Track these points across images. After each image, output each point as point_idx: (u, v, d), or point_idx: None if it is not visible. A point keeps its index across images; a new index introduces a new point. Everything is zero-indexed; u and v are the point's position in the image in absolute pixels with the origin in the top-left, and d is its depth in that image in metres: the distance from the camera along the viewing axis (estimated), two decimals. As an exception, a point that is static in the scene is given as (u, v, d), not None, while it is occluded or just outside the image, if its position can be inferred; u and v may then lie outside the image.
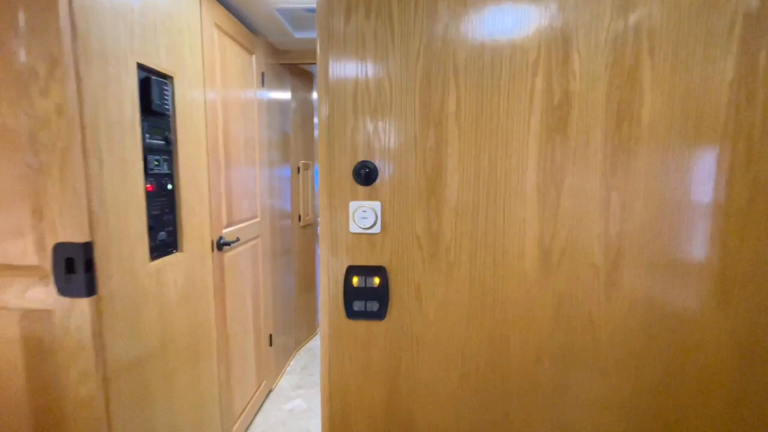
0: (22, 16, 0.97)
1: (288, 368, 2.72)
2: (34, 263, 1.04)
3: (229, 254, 1.91)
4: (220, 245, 1.79)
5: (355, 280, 0.80)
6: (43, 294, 1.05)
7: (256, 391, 2.30)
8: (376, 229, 0.78)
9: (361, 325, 0.82)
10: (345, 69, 0.74)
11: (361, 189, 0.77)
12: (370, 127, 0.76)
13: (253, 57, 2.20)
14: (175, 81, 1.43)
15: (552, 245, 0.76)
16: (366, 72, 0.74)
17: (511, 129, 0.75)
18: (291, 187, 2.85)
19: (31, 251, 1.04)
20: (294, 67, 2.84)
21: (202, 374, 1.68)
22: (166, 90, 1.38)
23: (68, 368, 1.08)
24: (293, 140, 2.88)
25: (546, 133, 0.74)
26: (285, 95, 2.75)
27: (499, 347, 0.80)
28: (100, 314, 1.08)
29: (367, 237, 0.78)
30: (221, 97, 1.78)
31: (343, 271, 0.80)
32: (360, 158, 0.77)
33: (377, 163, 0.77)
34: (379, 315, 0.80)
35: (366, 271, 0.79)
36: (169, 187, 1.42)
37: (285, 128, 2.75)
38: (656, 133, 0.72)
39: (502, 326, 0.79)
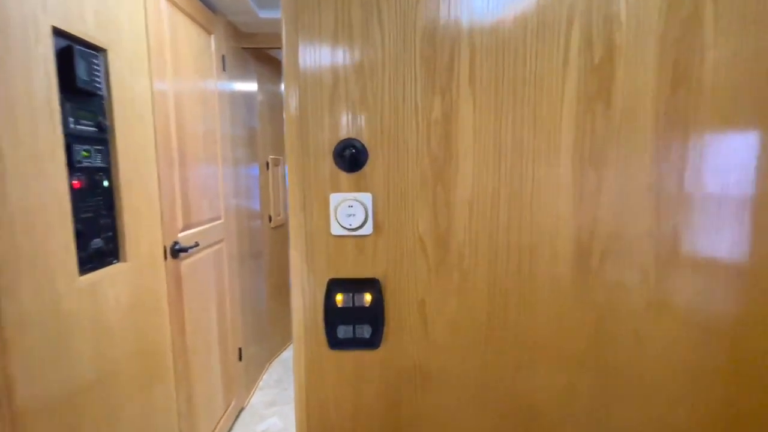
0: None
1: (260, 383, 2.48)
2: None
3: (187, 261, 1.66)
4: (176, 251, 1.54)
5: (340, 298, 0.60)
6: None
7: (224, 413, 2.06)
8: (366, 229, 0.59)
9: (349, 357, 0.62)
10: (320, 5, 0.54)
11: (346, 177, 0.58)
12: (355, 92, 0.57)
13: (212, 38, 1.95)
14: (110, 55, 1.17)
15: (591, 245, 0.60)
16: (349, 15, 0.54)
17: (540, 97, 0.58)
18: (260, 185, 2.61)
19: None
20: (260, 53, 2.59)
21: (157, 402, 1.43)
22: (97, 65, 1.12)
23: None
24: (261, 136, 2.63)
25: (584, 101, 0.57)
26: (251, 86, 2.50)
27: (525, 375, 0.63)
28: (3, 349, 0.83)
29: (354, 241, 0.59)
30: (173, 81, 1.53)
31: (324, 286, 0.60)
32: (343, 135, 0.57)
33: (366, 141, 0.57)
34: (372, 342, 0.61)
35: (354, 285, 0.60)
36: (105, 183, 1.17)
37: (251, 123, 2.50)
38: (719, 101, 0.56)
39: (529, 349, 0.62)
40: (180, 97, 1.58)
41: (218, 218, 2.00)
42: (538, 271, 0.61)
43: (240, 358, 2.26)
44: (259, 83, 2.58)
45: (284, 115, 0.56)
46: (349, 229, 0.59)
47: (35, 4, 0.93)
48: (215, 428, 1.94)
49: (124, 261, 1.26)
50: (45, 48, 0.96)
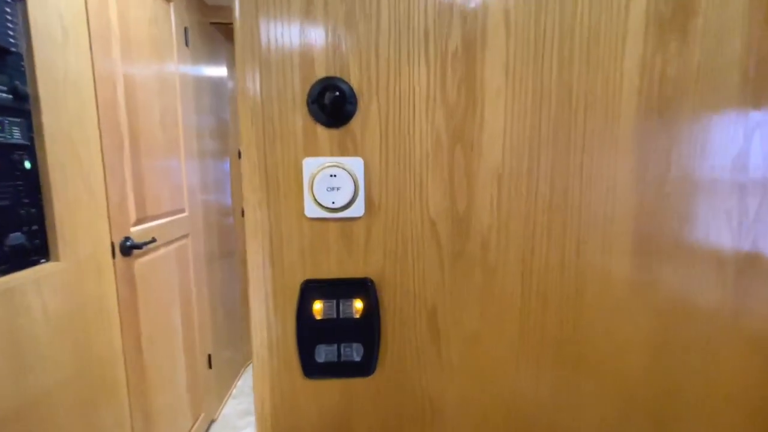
0: None
1: (234, 391, 2.27)
2: None
3: (142, 260, 1.43)
4: (127, 248, 1.32)
5: (318, 307, 0.43)
6: None
7: (192, 427, 1.84)
8: (356, 209, 0.41)
9: (332, 389, 0.45)
10: None
11: (326, 134, 0.40)
12: (339, 7, 0.39)
13: (171, 6, 1.71)
14: (30, 6, 0.95)
15: (659, 228, 0.45)
16: None
17: (597, 24, 0.41)
18: (231, 179, 2.38)
19: None
20: (232, 32, 2.35)
21: (105, 424, 1.22)
22: (10, 15, 0.89)
23: None
24: (233, 128, 2.40)
25: (654, 31, 0.42)
26: (220, 70, 2.26)
27: (567, 403, 0.47)
28: None
29: (338, 226, 0.42)
30: (119, 45, 1.30)
31: (296, 291, 0.43)
32: (322, 73, 0.39)
33: (355, 82, 0.40)
34: (364, 367, 0.44)
35: (338, 289, 0.43)
36: (27, 165, 0.95)
37: (222, 113, 2.27)
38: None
39: (572, 369, 0.47)
40: (131, 71, 1.35)
41: (181, 211, 1.77)
42: (587, 267, 0.45)
43: (210, 366, 2.05)
44: (230, 68, 2.34)
45: (235, 43, 0.38)
46: (331, 209, 0.41)
47: None
48: (180, 446, 1.73)
49: (56, 260, 1.03)
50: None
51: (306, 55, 0.39)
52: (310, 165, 0.40)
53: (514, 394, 0.46)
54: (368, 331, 0.44)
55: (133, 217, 1.37)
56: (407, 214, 0.42)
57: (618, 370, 0.47)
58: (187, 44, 1.85)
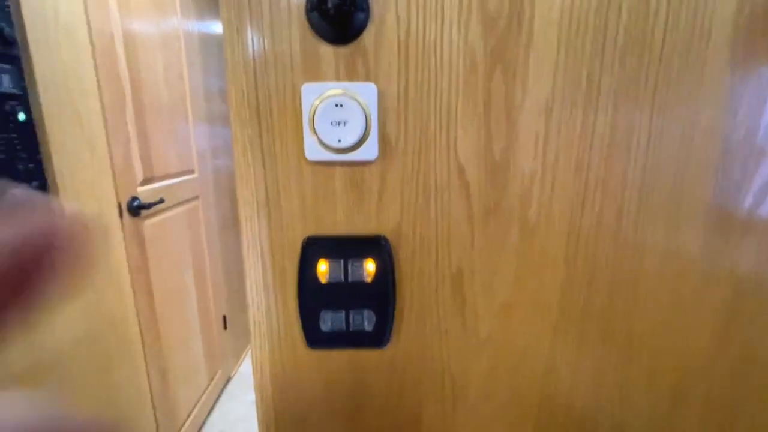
0: None
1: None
2: None
3: (151, 221, 1.40)
4: (135, 209, 1.28)
5: (324, 268, 0.36)
6: None
7: (209, 385, 1.90)
8: (368, 150, 0.33)
9: (339, 361, 0.39)
10: None
11: (331, 53, 0.32)
12: None
13: (171, -53, 1.57)
14: (10, -64, 0.85)
15: (744, 186, 0.36)
16: None
17: None
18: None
19: None
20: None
21: (122, 381, 1.23)
22: (-11, -54, 0.80)
23: None
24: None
25: None
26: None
27: (611, 385, 0.41)
28: None
29: (346, 171, 0.34)
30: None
31: (296, 250, 0.36)
32: None
33: (367, -19, 0.31)
34: (377, 338, 0.38)
35: (347, 248, 0.36)
36: (21, 116, 0.90)
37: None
38: None
39: (621, 347, 0.40)
40: (128, 20, 1.26)
41: (191, 172, 1.72)
42: (648, 227, 0.37)
43: (225, 326, 2.08)
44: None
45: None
46: (336, 150, 0.33)
47: None
48: (198, 401, 1.79)
49: (60, 218, 1.00)
50: None
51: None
52: (310, 93, 0.32)
53: (550, 373, 0.40)
54: (381, 296, 0.37)
55: (139, 176, 1.33)
56: (430, 158, 0.34)
57: (676, 351, 0.40)
58: (191, -6, 1.72)
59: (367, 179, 0.35)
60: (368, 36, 0.32)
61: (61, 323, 0.98)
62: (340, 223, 0.36)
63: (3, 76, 0.85)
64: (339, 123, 0.32)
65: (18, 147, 0.89)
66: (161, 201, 1.40)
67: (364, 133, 0.33)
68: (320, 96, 0.32)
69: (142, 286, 1.35)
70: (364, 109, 0.32)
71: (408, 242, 0.36)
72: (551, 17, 0.32)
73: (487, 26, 0.32)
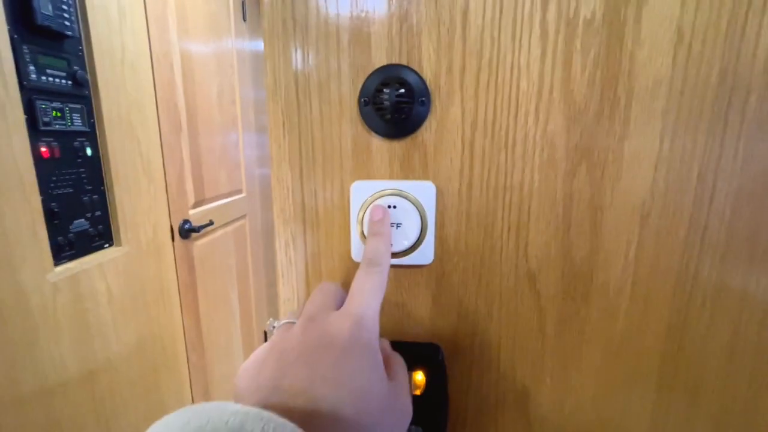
0: None
1: (288, 366, 2.33)
2: None
3: (201, 242, 1.46)
4: (185, 231, 1.33)
5: (368, 374, 0.32)
6: None
7: (248, 399, 1.93)
8: (422, 254, 0.29)
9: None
10: None
11: (384, 148, 0.28)
12: (410, -45, 0.25)
13: (229, -22, 1.64)
14: (85, -17, 0.92)
15: None
16: None
17: None
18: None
19: None
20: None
21: (167, 398, 1.28)
22: (66, -3, 0.86)
23: None
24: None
25: None
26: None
27: None
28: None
29: (397, 273, 0.30)
30: (177, 25, 1.26)
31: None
32: (380, 60, 0.27)
33: (430, 72, 0.27)
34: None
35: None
36: (89, 152, 0.95)
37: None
38: None
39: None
40: (188, 50, 1.32)
41: (239, 192, 1.78)
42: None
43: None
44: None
45: (261, 16, 0.27)
46: (387, 254, 0.29)
47: None
48: (238, 416, 1.82)
49: (119, 245, 1.05)
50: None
51: (359, 33, 0.27)
52: (360, 191, 0.29)
53: None
54: (432, 412, 0.32)
55: (191, 199, 1.38)
56: (496, 262, 0.30)
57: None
58: (244, 19, 1.79)
59: (420, 283, 0.30)
60: (427, 130, 0.28)
61: (115, 341, 1.02)
62: (387, 327, 0.32)
63: (74, 115, 0.91)
64: (391, 225, 0.28)
65: (84, 180, 0.95)
66: (210, 223, 1.44)
67: (420, 237, 0.29)
68: (372, 195, 0.29)
69: (190, 306, 1.39)
70: (420, 210, 0.28)
71: (465, 353, 0.32)
72: (654, 107, 0.26)
73: (571, 117, 0.27)
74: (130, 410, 1.08)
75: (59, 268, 0.87)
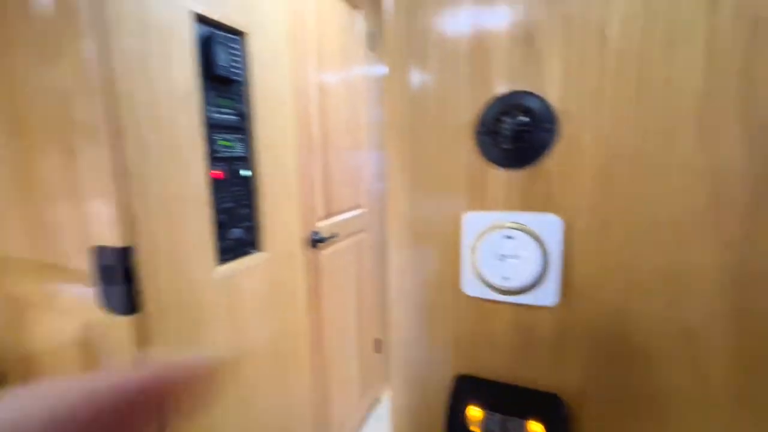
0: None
1: (397, 377, 2.38)
2: (78, 267, 0.86)
3: (326, 252, 1.61)
4: (314, 242, 1.49)
5: (477, 414, 0.31)
6: (84, 305, 0.86)
7: (359, 404, 2.03)
8: (544, 293, 0.26)
9: None
10: None
11: (502, 178, 0.26)
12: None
13: (360, 14, 1.82)
14: (249, 39, 1.13)
15: None
16: None
17: None
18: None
19: (74, 252, 0.86)
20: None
21: (292, 392, 1.43)
22: (236, 50, 1.09)
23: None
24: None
25: None
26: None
27: None
28: (145, 335, 0.86)
29: (513, 312, 0.28)
30: (316, 63, 1.45)
31: (445, 383, 0.32)
32: (501, 87, 0.25)
33: (554, 96, 0.24)
34: None
35: (507, 398, 0.29)
36: (245, 173, 1.16)
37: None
38: None
39: None
40: (323, 80, 1.50)
41: (359, 207, 1.91)
42: None
43: (377, 349, 2.20)
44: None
45: (384, 41, 0.29)
46: (501, 290, 0.28)
47: (178, -10, 0.91)
48: (348, 418, 1.92)
49: (263, 251, 1.24)
50: (185, 34, 0.94)
51: (478, 58, 0.26)
52: (473, 223, 0.28)
53: None
54: (550, 473, 0.29)
55: (320, 213, 1.55)
56: (642, 313, 0.25)
57: None
58: (372, 48, 1.95)
59: (540, 326, 0.28)
60: (552, 158, 0.25)
61: (254, 332, 1.20)
62: (501, 368, 0.30)
63: (238, 143, 1.12)
64: (507, 257, 0.27)
65: (241, 196, 1.15)
66: (335, 236, 1.58)
67: (541, 273, 0.26)
68: (487, 227, 0.27)
69: (314, 309, 1.54)
70: (541, 245, 0.26)
71: (594, 409, 0.27)
72: None
73: (753, 137, 0.21)
74: (259, 398, 1.25)
75: (220, 268, 1.07)
